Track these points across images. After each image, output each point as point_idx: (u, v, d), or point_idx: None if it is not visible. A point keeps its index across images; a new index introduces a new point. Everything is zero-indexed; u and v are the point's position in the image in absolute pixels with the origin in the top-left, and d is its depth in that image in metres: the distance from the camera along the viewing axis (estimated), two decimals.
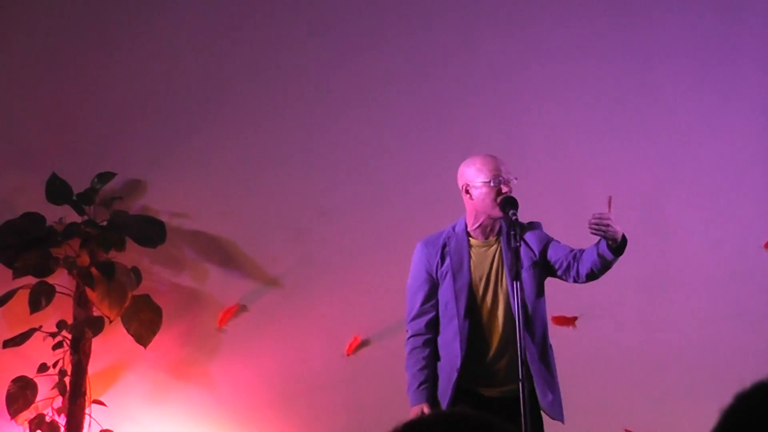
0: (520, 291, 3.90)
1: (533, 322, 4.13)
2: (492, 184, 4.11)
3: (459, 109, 5.78)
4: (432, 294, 4.23)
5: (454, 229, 4.25)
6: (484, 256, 4.19)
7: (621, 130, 5.78)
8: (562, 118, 5.76)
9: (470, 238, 4.21)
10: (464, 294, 4.16)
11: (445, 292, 4.20)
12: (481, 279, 4.17)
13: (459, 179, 4.24)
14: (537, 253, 4.18)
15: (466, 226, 4.22)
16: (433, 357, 4.21)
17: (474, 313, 4.17)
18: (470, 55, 5.81)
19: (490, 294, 4.16)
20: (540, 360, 4.15)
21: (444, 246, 4.22)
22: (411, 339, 4.24)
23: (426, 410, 4.09)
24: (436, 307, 4.23)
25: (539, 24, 5.81)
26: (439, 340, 4.23)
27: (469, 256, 4.18)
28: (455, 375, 4.15)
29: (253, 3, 5.85)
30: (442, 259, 4.21)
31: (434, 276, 4.23)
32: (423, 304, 4.24)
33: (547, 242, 4.21)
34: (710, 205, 5.72)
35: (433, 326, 4.22)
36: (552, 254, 4.18)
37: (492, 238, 4.20)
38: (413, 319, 4.25)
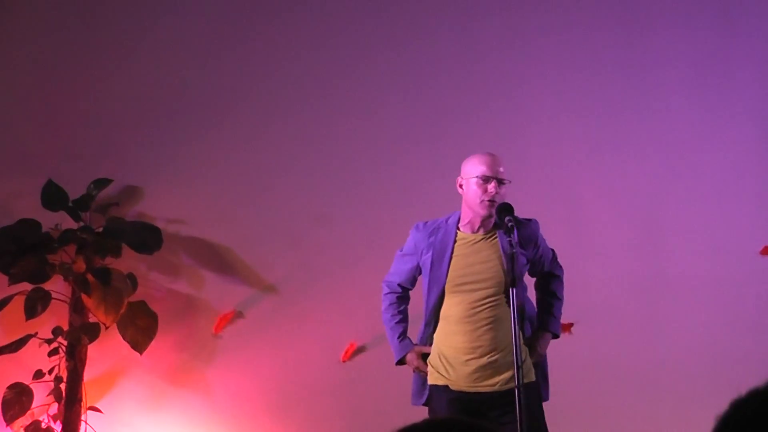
0: (516, 297, 3.93)
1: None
2: (481, 181, 4.13)
3: (457, 116, 5.78)
4: (413, 266, 4.33)
5: (447, 220, 4.28)
6: (470, 249, 4.19)
7: (619, 136, 5.79)
8: (561, 125, 5.77)
9: (458, 231, 4.22)
10: (438, 288, 4.19)
11: (424, 282, 4.27)
12: (465, 272, 4.17)
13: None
14: (526, 250, 4.25)
15: (459, 220, 4.24)
16: (406, 312, 4.39)
17: (459, 305, 4.17)
18: (469, 63, 5.81)
19: (472, 286, 4.16)
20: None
21: (431, 234, 4.26)
22: (387, 295, 4.40)
23: (417, 356, 4.27)
24: (412, 274, 4.35)
25: (538, 33, 5.82)
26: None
27: (452, 250, 4.20)
28: (419, 376, 4.32)
29: (251, 11, 5.85)
30: (427, 248, 4.25)
31: (418, 260, 4.30)
32: (402, 267, 4.36)
33: (534, 247, 4.29)
34: (707, 211, 5.73)
35: (409, 285, 4.39)
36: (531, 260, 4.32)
37: (482, 232, 4.20)
38: (390, 276, 4.41)
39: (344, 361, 5.64)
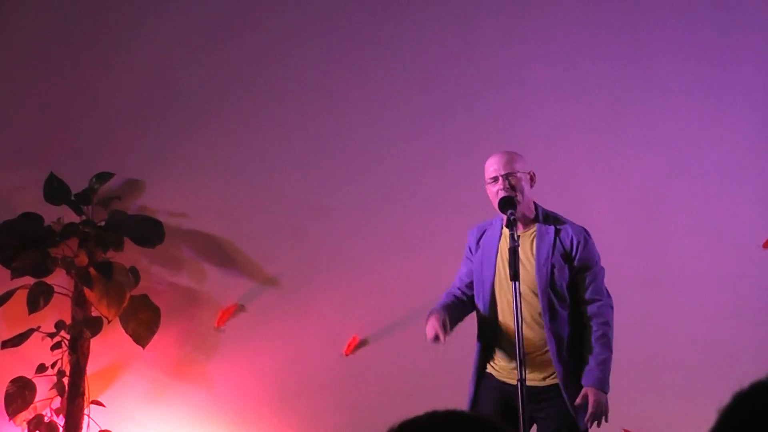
0: (518, 290, 3.92)
1: (558, 315, 4.13)
2: (492, 183, 4.17)
3: (458, 109, 5.78)
4: (469, 269, 4.32)
5: (494, 221, 4.30)
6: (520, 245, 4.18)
7: (620, 131, 5.78)
8: (562, 120, 5.76)
9: (504, 229, 4.23)
10: (488, 285, 4.20)
11: (477, 282, 4.27)
12: (507, 269, 4.16)
13: None
14: (564, 258, 4.18)
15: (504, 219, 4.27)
16: (460, 303, 4.28)
17: (503, 303, 4.19)
18: (470, 56, 5.81)
19: (521, 284, 4.12)
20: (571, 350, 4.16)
21: (481, 236, 4.29)
22: (445, 292, 4.36)
23: (438, 317, 4.12)
24: (470, 278, 4.31)
25: (539, 28, 5.81)
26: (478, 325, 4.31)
27: (497, 248, 4.22)
28: (476, 365, 4.24)
29: (251, 4, 5.85)
30: (476, 248, 4.29)
31: (471, 260, 4.31)
32: (462, 270, 4.35)
33: (576, 267, 4.17)
34: (709, 205, 5.72)
35: (467, 289, 4.31)
36: (573, 282, 4.19)
37: (522, 229, 4.17)
38: (454, 283, 4.37)
39: (347, 355, 5.64)
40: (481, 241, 4.28)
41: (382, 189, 5.74)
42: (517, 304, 3.89)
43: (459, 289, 4.35)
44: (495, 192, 4.15)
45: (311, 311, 5.67)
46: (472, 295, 4.31)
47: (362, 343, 5.65)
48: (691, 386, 5.43)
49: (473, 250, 4.31)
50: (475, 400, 4.25)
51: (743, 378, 1.55)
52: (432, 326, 4.10)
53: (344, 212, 5.72)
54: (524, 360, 3.89)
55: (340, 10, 5.84)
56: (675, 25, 5.81)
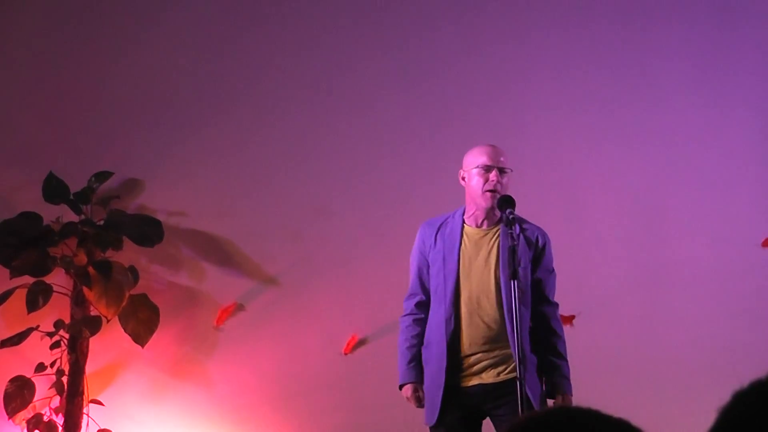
0: (517, 289, 3.91)
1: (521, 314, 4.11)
2: (483, 171, 4.12)
3: (457, 109, 5.78)
4: (423, 275, 4.27)
5: (454, 215, 4.26)
6: (477, 244, 4.17)
7: (619, 129, 5.79)
8: (561, 118, 5.77)
9: (465, 225, 4.20)
10: (452, 279, 4.15)
11: (436, 276, 4.21)
12: (471, 266, 4.15)
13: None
14: (530, 259, 4.18)
15: (464, 213, 4.22)
16: (423, 336, 4.25)
17: (463, 299, 4.16)
18: (470, 56, 5.81)
19: (478, 282, 4.13)
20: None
21: (439, 229, 4.24)
22: (403, 317, 4.31)
23: (416, 390, 4.15)
24: (426, 289, 4.25)
25: (538, 27, 5.81)
26: (429, 322, 4.24)
27: (461, 243, 4.17)
28: (444, 363, 4.14)
29: (252, 4, 5.85)
30: (435, 242, 4.23)
31: (426, 257, 4.25)
32: (416, 284, 4.30)
33: (540, 268, 4.19)
34: (708, 203, 5.73)
35: (424, 307, 4.26)
36: (534, 282, 4.19)
37: (486, 227, 4.17)
38: (407, 298, 4.33)
39: (346, 354, 5.64)
40: (439, 235, 4.22)
41: (381, 189, 5.74)
42: (513, 303, 3.89)
43: (417, 305, 4.25)
44: (483, 181, 4.13)
45: (310, 310, 5.67)
46: (426, 305, 4.26)
47: (361, 342, 5.65)
48: (691, 385, 5.43)
49: (430, 246, 4.23)
50: (441, 410, 4.15)
51: (743, 377, 1.55)
52: (409, 395, 4.20)
53: (343, 211, 5.73)
54: (523, 359, 3.90)
55: (338, 12, 5.84)
56: (674, 21, 5.81)
